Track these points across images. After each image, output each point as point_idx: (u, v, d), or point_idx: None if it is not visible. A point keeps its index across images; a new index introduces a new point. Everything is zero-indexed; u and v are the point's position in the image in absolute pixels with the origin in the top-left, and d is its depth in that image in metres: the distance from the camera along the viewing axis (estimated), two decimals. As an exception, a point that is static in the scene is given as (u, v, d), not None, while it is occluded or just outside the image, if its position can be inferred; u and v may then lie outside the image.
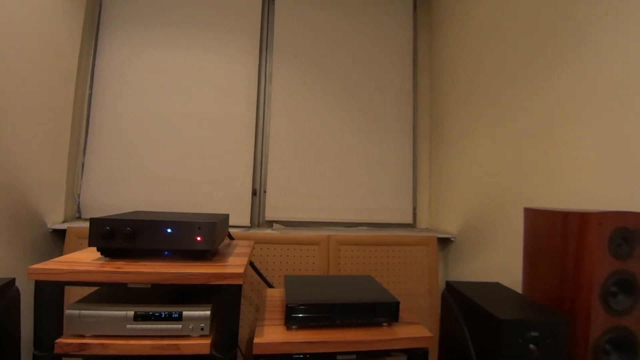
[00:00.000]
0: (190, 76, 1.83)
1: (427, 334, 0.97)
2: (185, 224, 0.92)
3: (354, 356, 0.92)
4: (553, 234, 0.93)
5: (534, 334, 0.74)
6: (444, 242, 1.88)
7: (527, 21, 1.34)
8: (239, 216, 1.81)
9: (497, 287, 1.00)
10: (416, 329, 1.00)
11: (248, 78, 1.89)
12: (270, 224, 1.89)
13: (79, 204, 1.72)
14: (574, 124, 1.11)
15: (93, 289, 1.02)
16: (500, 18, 1.50)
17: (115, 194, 1.73)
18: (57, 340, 0.83)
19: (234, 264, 0.95)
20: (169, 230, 0.91)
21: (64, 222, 1.59)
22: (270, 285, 1.48)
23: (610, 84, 1.00)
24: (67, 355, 0.84)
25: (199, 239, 0.92)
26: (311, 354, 0.90)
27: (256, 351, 0.88)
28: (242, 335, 1.55)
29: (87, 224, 0.91)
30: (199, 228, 0.92)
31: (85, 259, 0.91)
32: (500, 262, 1.43)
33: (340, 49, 2.01)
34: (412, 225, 2.06)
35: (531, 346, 0.75)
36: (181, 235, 0.92)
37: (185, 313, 0.88)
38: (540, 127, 1.25)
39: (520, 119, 1.36)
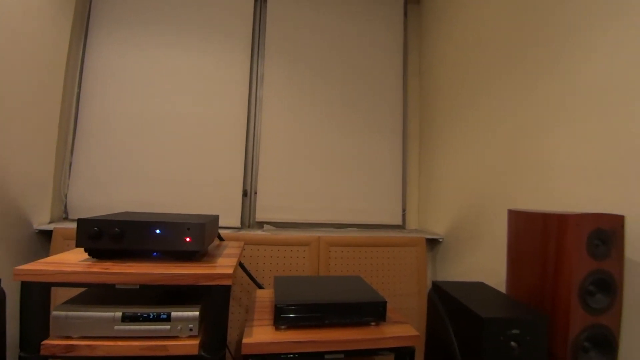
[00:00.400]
0: (181, 76, 1.82)
1: (414, 332, 0.99)
2: (174, 225, 0.92)
3: (342, 355, 0.94)
4: (534, 235, 0.96)
5: (515, 331, 0.76)
6: (433, 243, 1.92)
7: (510, 28, 1.38)
8: (230, 217, 1.81)
9: (481, 286, 1.03)
10: (403, 328, 1.02)
11: (239, 79, 1.89)
12: (260, 225, 1.89)
13: (66, 204, 1.69)
14: (552, 128, 1.15)
15: (80, 290, 1.02)
16: (485, 26, 1.54)
17: (103, 195, 1.71)
18: (43, 342, 0.83)
19: (223, 265, 0.96)
20: (157, 231, 0.91)
21: (50, 222, 1.57)
22: (260, 286, 1.48)
23: (586, 89, 1.04)
24: (53, 357, 0.84)
25: (188, 239, 0.92)
26: (299, 354, 0.91)
27: (245, 351, 0.89)
28: (232, 337, 1.55)
29: (74, 225, 0.91)
30: (188, 229, 0.92)
31: (72, 260, 0.91)
32: (486, 263, 1.46)
33: (332, 52, 2.03)
34: (401, 227, 2.09)
35: (512, 344, 0.77)
36: (170, 236, 0.92)
37: (173, 314, 0.88)
38: (521, 131, 1.29)
39: (502, 123, 1.40)
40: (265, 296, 1.26)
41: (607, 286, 0.86)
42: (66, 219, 1.69)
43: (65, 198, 1.69)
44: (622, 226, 0.88)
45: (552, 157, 1.16)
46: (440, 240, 1.85)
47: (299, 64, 1.98)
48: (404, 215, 2.10)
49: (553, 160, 1.15)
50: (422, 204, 2.10)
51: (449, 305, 0.94)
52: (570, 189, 1.08)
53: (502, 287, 1.09)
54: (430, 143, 2.03)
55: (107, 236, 0.89)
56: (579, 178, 1.05)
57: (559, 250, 0.88)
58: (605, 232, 0.87)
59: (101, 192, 1.71)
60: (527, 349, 0.78)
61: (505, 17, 1.41)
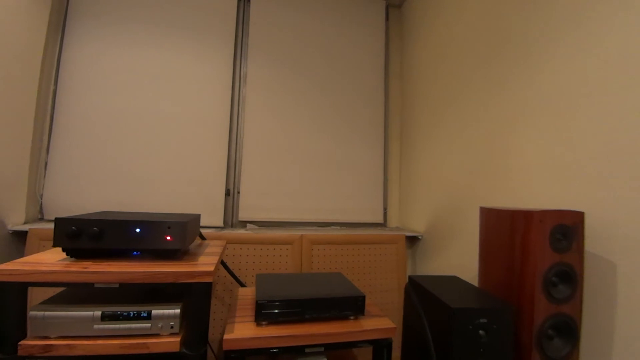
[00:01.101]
0: (162, 75, 1.81)
1: (391, 325, 1.03)
2: (155, 224, 0.92)
3: (322, 349, 0.97)
4: (503, 231, 1.01)
5: (483, 320, 0.81)
6: (412, 241, 1.97)
7: (482, 35, 1.44)
8: (212, 216, 1.81)
9: (454, 280, 1.08)
10: (381, 321, 1.05)
11: (222, 78, 1.89)
12: (243, 224, 1.90)
13: (41, 204, 1.65)
14: (519, 129, 1.22)
15: (57, 291, 1.00)
16: (460, 32, 1.61)
17: (81, 195, 1.68)
18: (20, 342, 0.82)
19: (204, 263, 0.97)
20: (137, 230, 0.91)
21: (25, 223, 1.53)
22: (242, 285, 1.49)
23: (548, 93, 1.11)
24: (31, 357, 0.83)
25: (168, 238, 0.93)
26: (281, 348, 0.94)
27: (226, 347, 0.90)
28: (215, 335, 1.56)
29: (50, 225, 0.90)
30: (169, 227, 0.93)
31: (49, 260, 0.90)
32: (461, 258, 1.53)
33: (315, 53, 2.06)
34: (383, 225, 2.14)
35: (480, 332, 0.82)
36: (150, 234, 0.92)
37: (154, 312, 0.88)
38: (491, 132, 1.36)
39: (474, 125, 1.47)
40: (247, 294, 1.27)
41: (569, 277, 0.93)
42: (42, 219, 1.65)
43: (41, 198, 1.65)
44: (582, 222, 0.95)
45: (518, 156, 1.23)
46: (420, 237, 1.91)
47: (282, 65, 2.00)
48: (385, 214, 2.15)
49: (519, 159, 1.22)
50: (402, 202, 2.16)
51: (423, 298, 0.98)
52: (536, 187, 1.15)
53: (475, 281, 1.14)
54: (411, 143, 2.09)
55: (85, 235, 0.88)
56: (544, 176, 1.12)
57: (525, 244, 0.94)
58: (567, 227, 0.93)
59: (78, 192, 1.68)
60: (494, 337, 0.83)
61: (479, 22, 1.48)
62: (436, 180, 1.77)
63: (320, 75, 2.06)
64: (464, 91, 1.55)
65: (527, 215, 0.94)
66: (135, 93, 1.77)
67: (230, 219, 1.89)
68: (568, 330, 0.93)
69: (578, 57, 1.02)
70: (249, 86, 1.94)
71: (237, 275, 1.50)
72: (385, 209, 2.15)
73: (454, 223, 1.60)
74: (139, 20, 1.80)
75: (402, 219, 2.16)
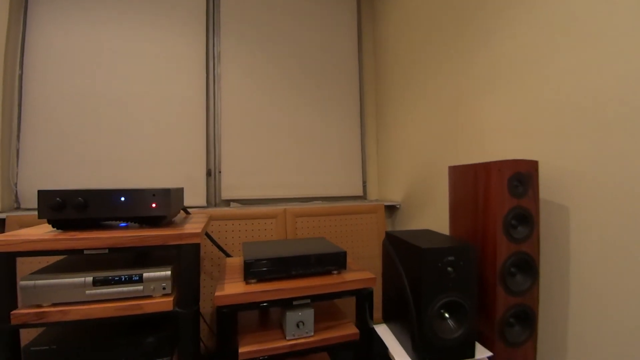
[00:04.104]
0: (132, 53, 1.77)
1: (371, 275, 1.11)
2: (139, 192, 0.95)
3: (309, 300, 1.04)
4: (467, 183, 1.11)
5: (450, 258, 0.90)
6: (391, 210, 2.07)
7: (450, 10, 1.51)
8: (195, 197, 1.83)
9: (427, 232, 1.17)
10: (361, 273, 1.14)
11: (195, 57, 1.88)
12: (227, 203, 1.93)
13: (16, 193, 1.62)
14: (484, 94, 1.31)
15: (47, 264, 1.02)
16: (429, 7, 1.67)
17: (57, 181, 1.65)
18: (12, 312, 0.84)
19: (191, 228, 1.01)
20: (122, 199, 0.94)
21: (1, 212, 1.50)
22: (228, 255, 1.54)
23: (510, 59, 1.20)
24: (25, 325, 0.85)
25: (154, 205, 0.96)
26: (269, 302, 1.00)
27: (217, 303, 0.96)
28: (206, 309, 1.60)
29: (28, 213, 0.91)
30: (154, 195, 0.96)
31: (36, 233, 0.91)
32: (436, 220, 1.63)
33: (290, 29, 2.08)
34: (363, 198, 2.23)
35: (449, 269, 0.91)
36: (135, 203, 0.95)
37: (145, 275, 0.92)
38: (459, 99, 1.45)
39: (443, 94, 1.55)
40: (235, 262, 1.32)
41: (526, 220, 1.03)
42: (18, 208, 1.62)
43: (16, 187, 1.62)
44: (537, 169, 1.05)
45: (482, 119, 1.32)
46: (398, 206, 2.01)
47: (256, 41, 2.01)
48: (364, 187, 2.24)
49: (483, 121, 1.32)
50: (381, 175, 2.25)
51: (399, 248, 1.07)
52: (497, 145, 1.25)
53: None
54: (386, 118, 2.16)
55: (70, 206, 0.90)
56: (505, 134, 1.22)
57: (486, 192, 1.03)
58: (522, 175, 1.03)
59: (54, 178, 1.65)
60: (461, 273, 0.92)
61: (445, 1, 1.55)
62: (410, 150, 1.86)
63: (295, 51, 2.08)
64: (435, 63, 1.63)
65: (487, 167, 1.03)
66: (104, 74, 1.73)
67: (214, 198, 1.91)
68: (528, 266, 1.04)
69: (527, 22, 1.11)
70: (224, 64, 1.94)
71: (223, 249, 1.54)
72: (364, 182, 2.23)
73: (428, 188, 1.70)
74: None
75: (381, 192, 2.25)
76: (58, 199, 0.89)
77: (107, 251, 0.89)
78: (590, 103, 0.94)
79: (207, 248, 1.61)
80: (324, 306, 1.29)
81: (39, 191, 0.89)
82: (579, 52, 0.97)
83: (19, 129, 1.62)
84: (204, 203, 1.86)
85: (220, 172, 1.92)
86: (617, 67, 0.87)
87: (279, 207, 1.77)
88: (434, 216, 1.65)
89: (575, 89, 0.99)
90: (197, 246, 0.95)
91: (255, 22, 2.01)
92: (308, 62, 2.11)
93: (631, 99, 0.84)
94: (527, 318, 1.03)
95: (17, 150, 1.62)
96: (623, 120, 0.86)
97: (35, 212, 1.43)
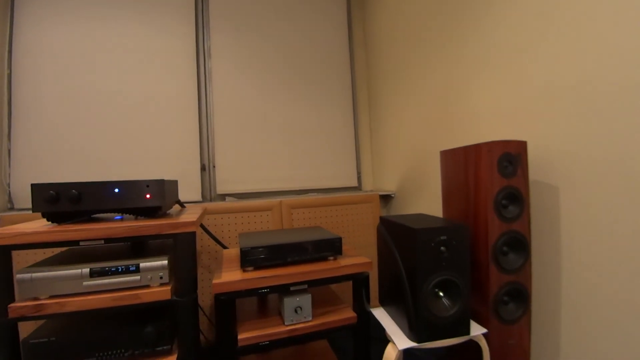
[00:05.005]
0: (122, 50, 1.77)
1: (367, 260, 1.13)
2: (133, 183, 0.95)
3: (306, 286, 1.05)
4: (458, 166, 1.13)
5: (443, 237, 0.92)
6: (386, 199, 2.09)
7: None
8: (190, 192, 1.84)
9: (420, 215, 1.19)
10: (357, 258, 1.15)
11: (185, 52, 1.88)
12: (222, 197, 1.94)
13: (9, 193, 1.61)
14: (474, 79, 1.33)
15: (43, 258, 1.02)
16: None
17: (49, 180, 1.64)
18: (10, 305, 0.84)
19: (186, 217, 1.01)
20: (116, 190, 0.94)
21: (-5, 212, 1.49)
22: (224, 247, 1.55)
23: (499, 46, 1.21)
24: (23, 318, 0.85)
25: (148, 196, 0.96)
26: (267, 288, 1.01)
27: (215, 290, 0.96)
28: (205, 302, 1.61)
29: (22, 213, 0.90)
30: (148, 185, 0.96)
31: (32, 227, 0.91)
32: (430, 205, 1.65)
33: (279, 23, 2.07)
34: (358, 188, 2.24)
35: (442, 248, 0.93)
36: (130, 194, 0.95)
37: (142, 265, 0.93)
38: (450, 85, 1.46)
39: (435, 81, 1.57)
40: (231, 253, 1.33)
41: (516, 199, 1.05)
42: (12, 209, 1.61)
43: (9, 187, 1.61)
44: (525, 149, 1.07)
45: (472, 104, 1.34)
46: (393, 195, 2.02)
47: (247, 35, 2.01)
48: (359, 178, 2.25)
49: (473, 106, 1.33)
50: (375, 166, 2.26)
51: (393, 231, 1.08)
52: (487, 128, 1.27)
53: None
54: (378, 109, 2.17)
55: (65, 198, 0.90)
56: (494, 117, 1.24)
57: (477, 173, 1.05)
58: (512, 155, 1.05)
59: (46, 177, 1.65)
60: (454, 252, 0.94)
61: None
62: (403, 140, 1.88)
63: (287, 44, 2.08)
64: (426, 52, 1.64)
65: (477, 148, 1.05)
66: (94, 71, 1.73)
67: (209, 193, 1.92)
68: (520, 245, 1.05)
69: (515, 10, 1.13)
70: (215, 59, 1.94)
71: (219, 240, 1.55)
72: (359, 173, 2.25)
73: (421, 175, 1.72)
74: (91, -4, 1.74)
75: (376, 183, 2.26)
76: (52, 192, 0.89)
77: (102, 242, 0.89)
78: (577, 84, 0.96)
79: (204, 242, 1.62)
80: (321, 292, 1.30)
81: (32, 185, 0.89)
82: (565, 36, 0.98)
83: (9, 128, 1.61)
84: (199, 198, 1.86)
85: (214, 166, 1.92)
86: (601, 49, 0.89)
87: (275, 200, 1.78)
88: (428, 202, 1.67)
89: (562, 71, 1.00)
90: (192, 235, 0.95)
91: (244, 17, 2.01)
92: (299, 55, 2.11)
93: (618, 79, 0.85)
94: (520, 295, 1.05)
95: (9, 150, 1.61)
96: (610, 100, 0.87)
97: (29, 212, 1.42)
